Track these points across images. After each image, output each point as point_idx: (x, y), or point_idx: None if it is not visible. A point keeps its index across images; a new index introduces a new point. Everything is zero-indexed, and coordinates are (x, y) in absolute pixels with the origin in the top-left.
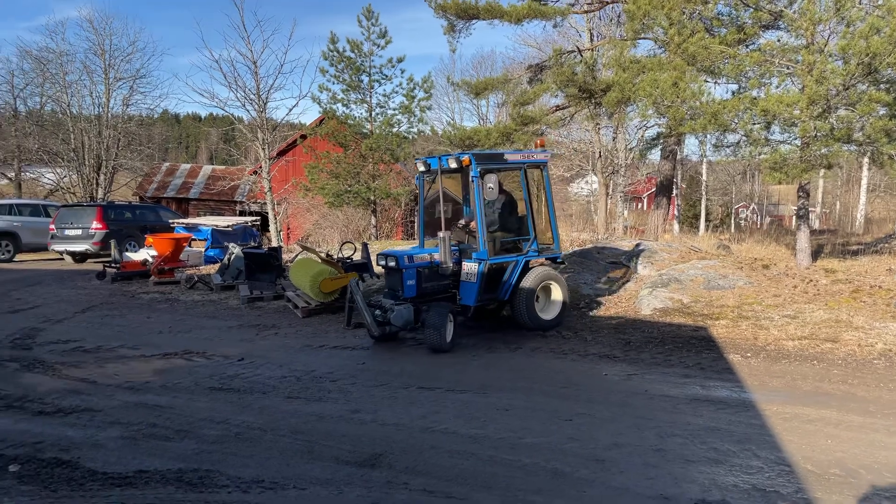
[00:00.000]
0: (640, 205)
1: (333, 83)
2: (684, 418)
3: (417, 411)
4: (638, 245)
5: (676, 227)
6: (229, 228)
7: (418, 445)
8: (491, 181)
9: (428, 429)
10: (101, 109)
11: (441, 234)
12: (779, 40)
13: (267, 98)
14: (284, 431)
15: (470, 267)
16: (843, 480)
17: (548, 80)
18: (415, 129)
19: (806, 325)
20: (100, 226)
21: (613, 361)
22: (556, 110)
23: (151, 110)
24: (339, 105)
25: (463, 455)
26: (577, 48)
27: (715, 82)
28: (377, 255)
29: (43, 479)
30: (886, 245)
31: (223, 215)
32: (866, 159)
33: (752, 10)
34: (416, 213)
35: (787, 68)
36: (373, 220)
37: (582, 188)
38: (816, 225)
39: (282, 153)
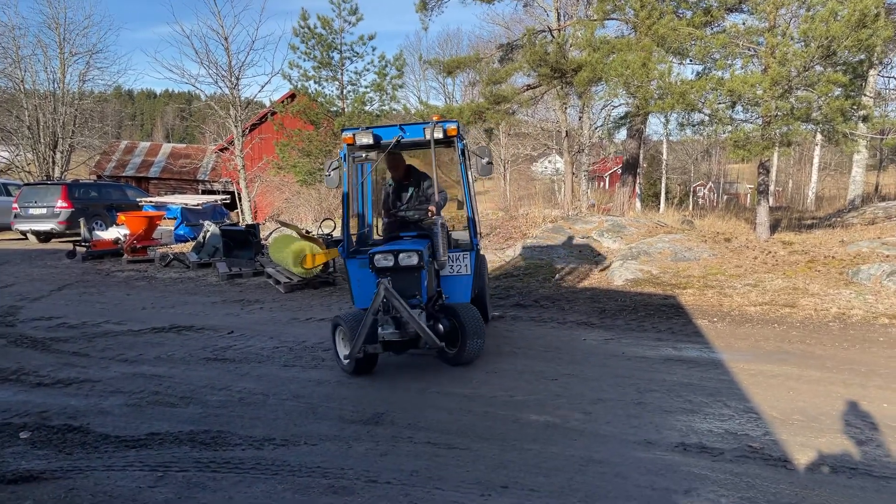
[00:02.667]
0: (602, 184)
1: (304, 60)
2: (660, 376)
3: (412, 375)
4: (606, 221)
5: (639, 204)
6: (199, 207)
7: (418, 405)
8: (486, 154)
9: (425, 390)
10: (56, 85)
11: (440, 221)
12: (743, 23)
13: (240, 74)
14: (286, 396)
15: (461, 258)
16: (805, 425)
17: (520, 59)
18: (387, 107)
19: (766, 293)
20: (65, 204)
21: (591, 328)
22: (528, 89)
23: (109, 86)
24: (311, 82)
25: (461, 412)
26: (548, 28)
27: (682, 63)
28: (375, 252)
29: (56, 444)
30: (838, 219)
31: (186, 194)
32: (819, 138)
33: None
34: (349, 200)
35: (751, 50)
36: None
37: (545, 167)
38: (772, 202)
39: (252, 129)
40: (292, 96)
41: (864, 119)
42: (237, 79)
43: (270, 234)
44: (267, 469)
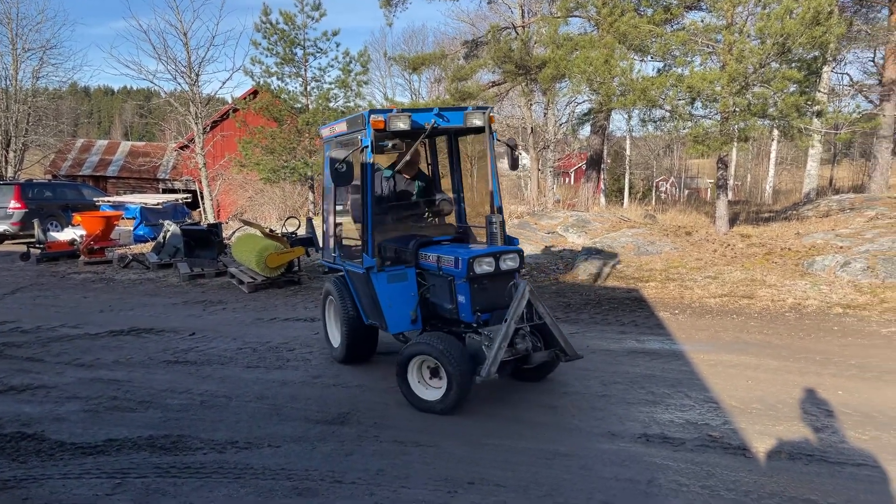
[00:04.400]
0: (567, 179)
1: (267, 56)
2: (623, 368)
3: (379, 374)
4: (571, 216)
5: (603, 199)
6: (159, 206)
7: (384, 403)
8: (516, 146)
9: (391, 388)
10: (8, 82)
11: (499, 219)
12: (702, 21)
13: (199, 70)
14: (249, 398)
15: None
16: (763, 413)
17: (485, 55)
18: (352, 104)
19: (726, 285)
20: (18, 205)
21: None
22: (493, 86)
23: (64, 83)
24: (274, 79)
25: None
26: (513, 25)
27: (643, 60)
28: (474, 256)
29: (9, 453)
30: (794, 212)
31: (145, 193)
32: (776, 133)
33: None
34: (371, 199)
35: (710, 47)
36: (311, 197)
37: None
38: (730, 196)
39: (213, 127)
40: (255, 93)
41: (818, 114)
42: (197, 75)
43: (233, 233)
44: (229, 473)
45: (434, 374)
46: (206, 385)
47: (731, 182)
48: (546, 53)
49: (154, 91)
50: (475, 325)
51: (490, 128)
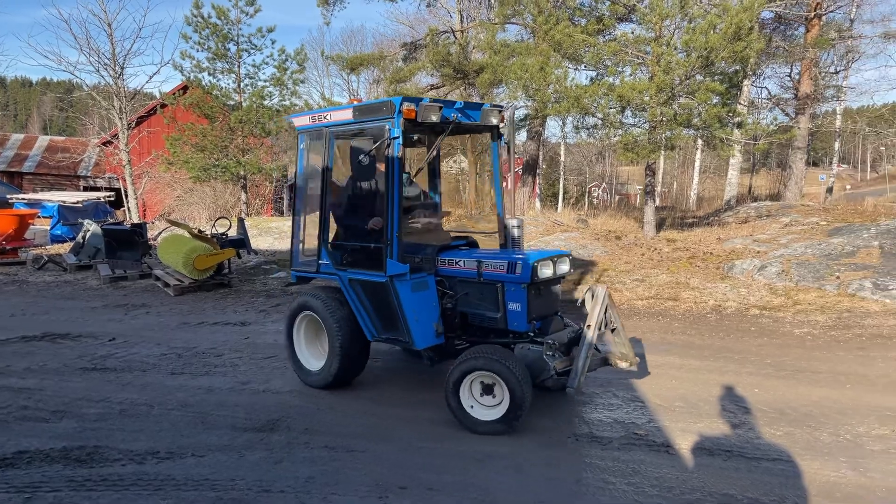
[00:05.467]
0: (505, 184)
1: (198, 51)
2: None
3: None
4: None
5: (538, 204)
6: (79, 205)
7: (316, 409)
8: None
9: (325, 393)
10: None
11: (514, 222)
12: (632, 32)
13: (124, 63)
14: (173, 405)
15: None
16: (686, 411)
17: (423, 58)
18: (287, 103)
19: (652, 287)
20: None
21: None
22: (431, 89)
23: None
24: (205, 74)
25: (360, 414)
26: (451, 29)
27: (577, 68)
28: (537, 259)
29: None
30: (716, 218)
31: (65, 191)
32: (700, 142)
33: (609, 2)
34: (398, 195)
35: (639, 58)
36: (243, 197)
37: (451, 167)
38: (658, 202)
39: (139, 123)
40: (185, 88)
41: (739, 125)
42: (122, 68)
43: (160, 233)
44: (149, 484)
45: (487, 391)
46: (126, 393)
47: (658, 189)
48: (484, 59)
49: (76, 84)
50: (531, 335)
51: (499, 129)
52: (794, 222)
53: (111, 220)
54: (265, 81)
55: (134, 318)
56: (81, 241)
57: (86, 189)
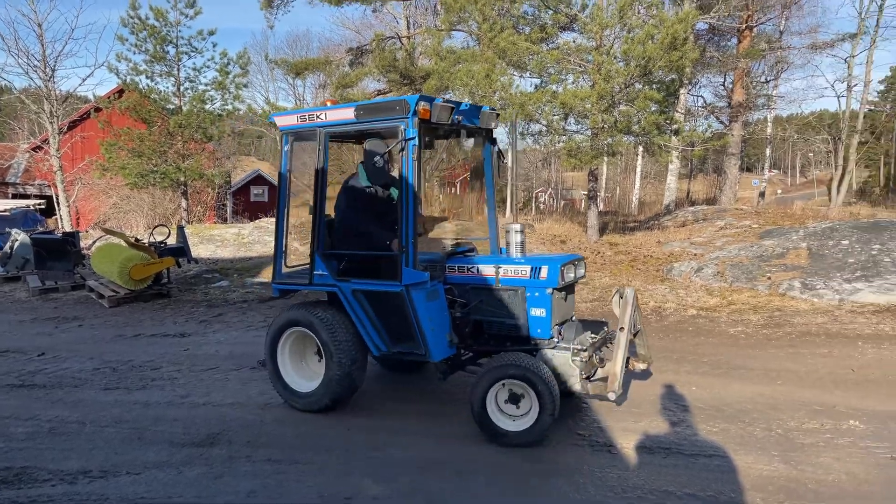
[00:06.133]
0: (453, 189)
1: (135, 53)
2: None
3: (254, 390)
4: (456, 225)
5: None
6: (6, 213)
7: (258, 421)
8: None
9: (267, 405)
10: None
11: (517, 227)
12: (574, 41)
13: (55, 65)
14: (107, 422)
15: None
16: (627, 410)
17: (370, 64)
18: (230, 107)
19: (596, 290)
20: None
21: None
22: (378, 94)
23: None
24: (142, 77)
25: (305, 424)
26: (398, 35)
27: (522, 76)
28: (565, 262)
29: None
30: (656, 222)
31: None
32: (640, 149)
33: (552, 11)
34: (414, 200)
35: (581, 67)
36: (183, 203)
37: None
38: (601, 207)
39: (71, 127)
40: (120, 92)
41: (676, 132)
42: (52, 70)
43: (94, 242)
44: None
45: (513, 400)
46: (57, 410)
47: (601, 194)
48: (430, 65)
49: (3, 86)
50: (555, 340)
51: (492, 133)
52: (728, 225)
53: (41, 229)
54: (206, 85)
55: (65, 332)
56: (9, 251)
57: (14, 197)
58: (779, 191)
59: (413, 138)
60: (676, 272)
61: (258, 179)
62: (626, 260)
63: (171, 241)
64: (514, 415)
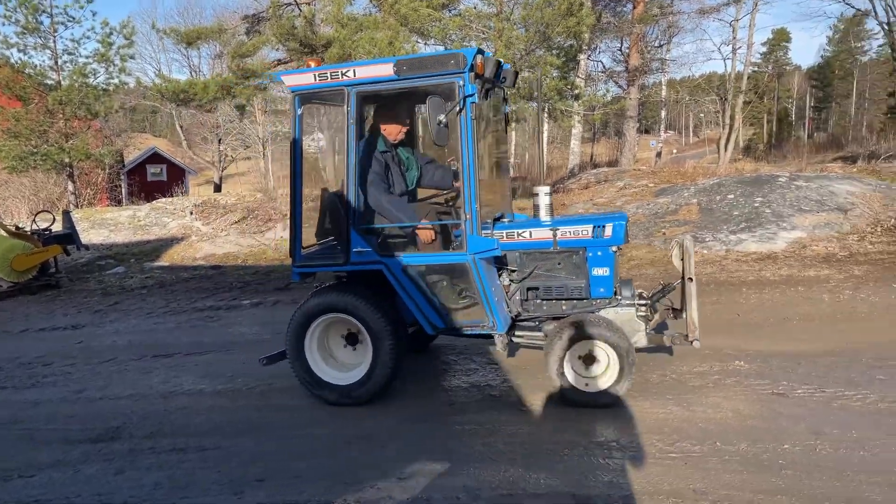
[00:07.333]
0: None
1: (3, 24)
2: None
3: (156, 379)
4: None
5: None
6: None
7: (162, 411)
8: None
9: (171, 393)
10: None
11: (546, 190)
12: (475, 7)
13: None
14: None
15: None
16: (538, 368)
17: (267, 32)
18: (116, 80)
19: None
20: None
21: None
22: (279, 64)
23: None
24: (14, 51)
25: (213, 410)
26: (296, 1)
27: (427, 43)
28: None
29: None
30: (562, 185)
31: None
32: (546, 115)
33: None
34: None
35: (484, 33)
36: (70, 187)
37: (309, 145)
38: (511, 172)
39: None
40: None
41: (577, 97)
42: None
43: None
44: None
45: (589, 360)
46: None
47: (512, 160)
48: (331, 32)
49: None
50: (618, 299)
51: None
52: (627, 186)
53: None
54: (87, 58)
55: None
56: None
57: None
58: (674, 150)
59: (472, 95)
60: None
61: (155, 157)
62: None
63: (58, 227)
64: (583, 375)
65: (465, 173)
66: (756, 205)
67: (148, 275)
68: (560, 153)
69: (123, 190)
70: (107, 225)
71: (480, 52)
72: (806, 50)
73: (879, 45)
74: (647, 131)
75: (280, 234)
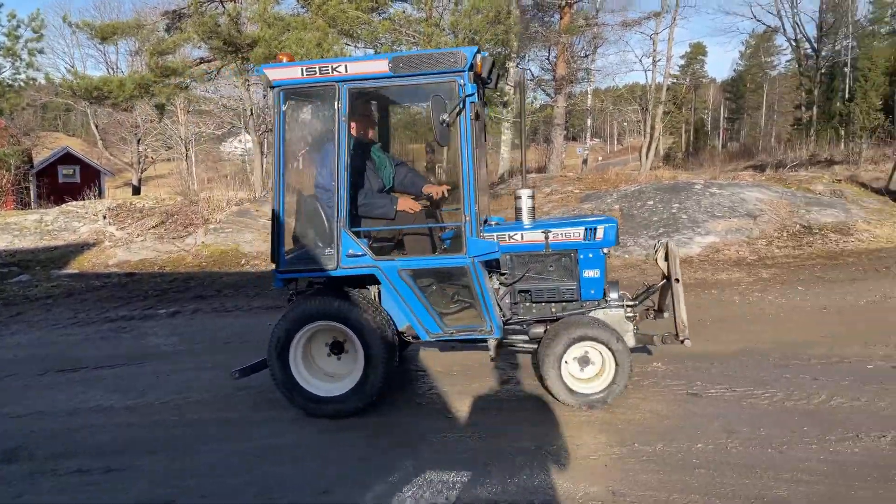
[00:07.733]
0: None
1: None
2: None
3: (61, 395)
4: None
5: None
6: None
7: (67, 429)
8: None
9: (77, 410)
10: None
11: (527, 193)
12: (405, 12)
13: None
14: None
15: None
16: (462, 374)
17: (189, 29)
18: (23, 76)
19: None
20: None
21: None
22: (201, 62)
23: None
24: None
25: (122, 427)
26: None
27: (356, 46)
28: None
29: None
30: (492, 191)
31: None
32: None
33: None
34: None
35: (413, 38)
36: None
37: (235, 147)
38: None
39: None
40: None
41: (506, 105)
42: None
43: None
44: None
45: (583, 362)
46: None
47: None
48: (257, 32)
49: None
50: (607, 301)
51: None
52: (554, 192)
53: None
54: None
55: None
56: None
57: None
58: (600, 158)
59: (472, 95)
60: None
61: (67, 158)
62: None
63: None
64: (577, 377)
65: (464, 174)
66: (673, 211)
67: (55, 283)
68: (492, 159)
69: (32, 192)
70: (10, 230)
71: (479, 50)
72: (721, 63)
73: (787, 60)
74: (574, 139)
75: (201, 239)
